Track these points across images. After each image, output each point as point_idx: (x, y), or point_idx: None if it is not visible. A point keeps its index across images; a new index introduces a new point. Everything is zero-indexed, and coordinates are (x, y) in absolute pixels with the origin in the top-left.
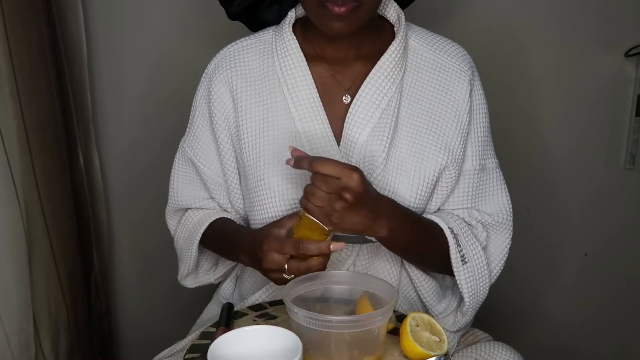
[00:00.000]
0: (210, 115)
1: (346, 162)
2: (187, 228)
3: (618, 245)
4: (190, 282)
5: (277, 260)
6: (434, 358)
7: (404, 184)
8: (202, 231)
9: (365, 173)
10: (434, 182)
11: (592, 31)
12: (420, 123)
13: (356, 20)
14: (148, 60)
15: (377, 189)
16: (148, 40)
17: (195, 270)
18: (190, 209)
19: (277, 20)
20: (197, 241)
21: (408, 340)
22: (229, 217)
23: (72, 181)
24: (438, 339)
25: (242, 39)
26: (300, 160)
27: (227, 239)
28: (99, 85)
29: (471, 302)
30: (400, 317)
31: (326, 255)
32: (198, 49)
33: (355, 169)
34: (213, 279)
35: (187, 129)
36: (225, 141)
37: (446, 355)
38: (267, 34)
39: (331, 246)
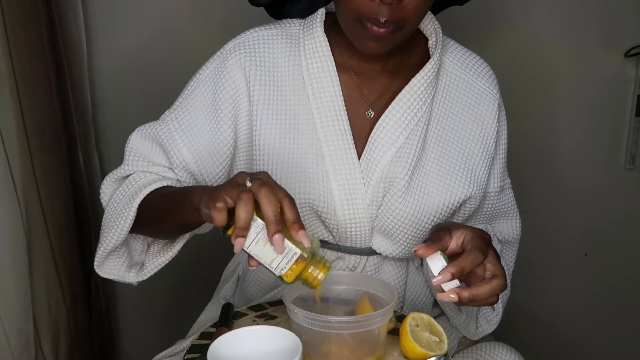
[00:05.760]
0: (215, 98)
1: (365, 180)
2: (131, 188)
3: (618, 245)
4: (108, 270)
5: (264, 177)
6: (434, 358)
7: (424, 208)
8: (152, 188)
9: (384, 194)
10: (456, 208)
11: (592, 31)
12: (448, 146)
13: (394, 42)
14: (148, 59)
15: (394, 212)
16: (148, 39)
17: (117, 255)
18: (140, 172)
19: (300, 14)
20: (140, 197)
21: (408, 340)
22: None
23: (72, 181)
24: (438, 339)
25: (265, 27)
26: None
27: (176, 192)
28: (99, 85)
29: (501, 310)
30: (400, 318)
31: (277, 220)
32: (200, 48)
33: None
34: (136, 279)
35: (178, 104)
36: (227, 131)
37: (446, 355)
38: (293, 27)
39: (277, 235)
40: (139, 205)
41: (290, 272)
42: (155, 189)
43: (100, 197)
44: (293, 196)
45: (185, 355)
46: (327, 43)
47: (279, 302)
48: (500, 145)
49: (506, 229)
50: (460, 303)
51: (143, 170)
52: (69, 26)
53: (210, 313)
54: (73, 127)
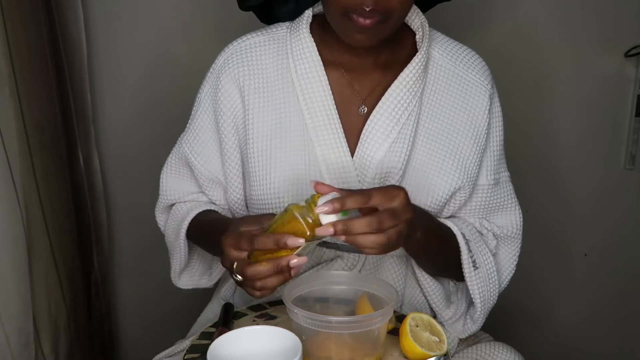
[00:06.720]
0: (216, 114)
1: (360, 177)
2: (175, 221)
3: (618, 245)
4: (185, 282)
5: (233, 257)
6: (434, 358)
7: (418, 201)
8: (188, 221)
9: None
10: (447, 199)
11: (592, 31)
12: (438, 139)
13: (381, 33)
14: (148, 59)
15: None
16: (148, 39)
17: (189, 269)
18: (179, 202)
19: (289, 17)
20: (183, 231)
21: (408, 340)
22: (216, 209)
23: (72, 181)
24: (438, 339)
25: (253, 34)
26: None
27: (208, 230)
28: (99, 85)
29: (482, 308)
30: (400, 318)
31: (281, 267)
32: (199, 48)
33: (400, 189)
34: (209, 283)
35: (188, 126)
36: (232, 142)
37: (446, 355)
38: (280, 31)
39: (292, 261)
40: (187, 233)
41: (310, 233)
42: (195, 217)
43: (157, 223)
44: (290, 201)
45: (185, 355)
46: (313, 42)
47: (279, 302)
48: (494, 136)
49: (504, 222)
50: (335, 234)
51: (179, 201)
52: (69, 26)
53: (210, 313)
54: (73, 127)
